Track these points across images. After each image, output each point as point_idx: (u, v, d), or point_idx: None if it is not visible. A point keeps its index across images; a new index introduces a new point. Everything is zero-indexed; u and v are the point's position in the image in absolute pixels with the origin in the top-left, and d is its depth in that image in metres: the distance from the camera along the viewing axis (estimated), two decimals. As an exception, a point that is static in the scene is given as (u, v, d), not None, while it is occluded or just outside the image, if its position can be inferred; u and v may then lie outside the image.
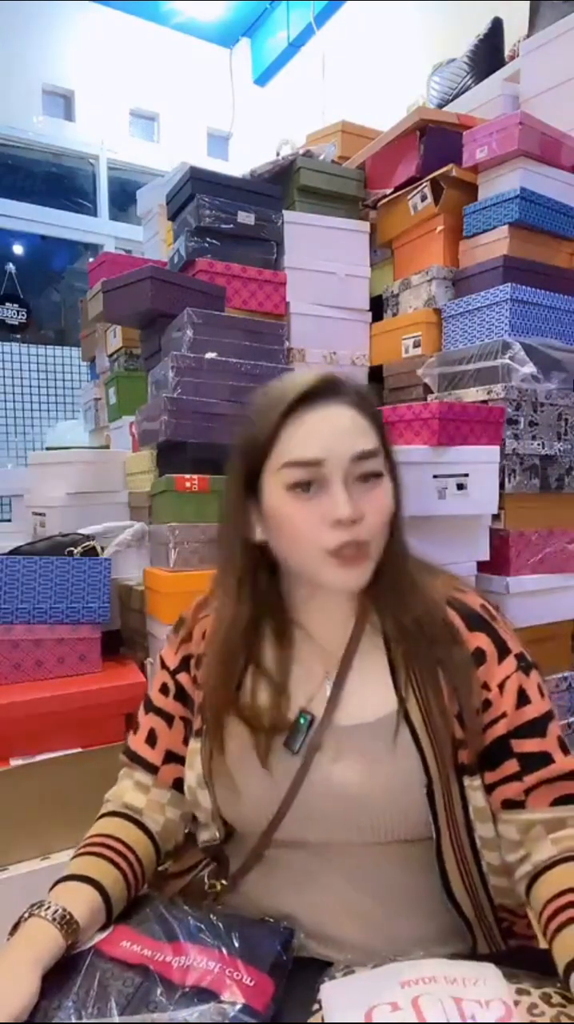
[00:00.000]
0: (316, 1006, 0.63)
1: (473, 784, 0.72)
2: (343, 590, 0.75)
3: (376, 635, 0.78)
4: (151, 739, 0.83)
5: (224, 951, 0.65)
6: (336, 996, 0.62)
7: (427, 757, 0.71)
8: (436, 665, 0.73)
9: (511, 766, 0.72)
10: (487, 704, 0.73)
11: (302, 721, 0.74)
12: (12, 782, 1.23)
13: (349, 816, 0.72)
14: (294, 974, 0.67)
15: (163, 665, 0.86)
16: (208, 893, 0.81)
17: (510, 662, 0.74)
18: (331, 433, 0.71)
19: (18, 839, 1.21)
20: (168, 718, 0.83)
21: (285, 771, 0.73)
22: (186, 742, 0.82)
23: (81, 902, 0.67)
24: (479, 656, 0.74)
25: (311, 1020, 0.62)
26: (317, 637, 0.79)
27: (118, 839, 0.76)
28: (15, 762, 1.26)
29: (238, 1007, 0.60)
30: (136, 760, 0.84)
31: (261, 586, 0.79)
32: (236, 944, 0.66)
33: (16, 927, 0.65)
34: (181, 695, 0.83)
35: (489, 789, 0.72)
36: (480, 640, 0.75)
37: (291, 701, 0.77)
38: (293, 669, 0.78)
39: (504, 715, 0.72)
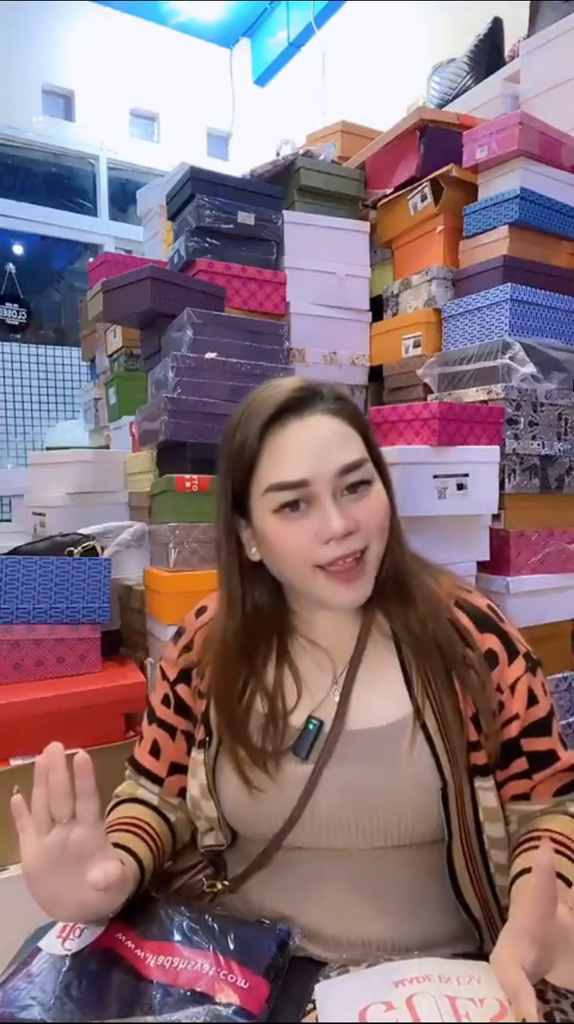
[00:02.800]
0: (310, 1005, 0.63)
1: (485, 785, 0.72)
2: (341, 607, 0.73)
3: (386, 639, 0.77)
4: (155, 751, 0.84)
5: (219, 953, 0.65)
6: (330, 995, 0.62)
7: (442, 760, 0.71)
8: (450, 668, 0.73)
9: (520, 764, 0.74)
10: (500, 706, 0.74)
11: (310, 727, 0.74)
12: (12, 782, 1.23)
13: (361, 821, 0.71)
14: (288, 973, 0.67)
15: (163, 675, 0.85)
16: (206, 894, 0.81)
17: (519, 663, 0.76)
18: (313, 450, 0.68)
19: (18, 839, 1.21)
20: (170, 730, 0.83)
21: (295, 778, 0.73)
22: (189, 753, 0.82)
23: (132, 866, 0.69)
24: (492, 658, 0.75)
25: (305, 1020, 0.62)
26: (324, 646, 0.78)
27: (143, 820, 0.77)
28: (15, 762, 1.26)
29: (232, 1009, 0.60)
30: (141, 772, 0.84)
31: (260, 602, 0.78)
32: (231, 946, 0.66)
33: None
34: (181, 708, 0.83)
35: (498, 786, 0.74)
36: (491, 642, 0.76)
37: (298, 711, 0.76)
38: (301, 679, 0.78)
39: (516, 716, 0.74)
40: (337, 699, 0.75)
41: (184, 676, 0.83)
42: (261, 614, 0.78)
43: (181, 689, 0.82)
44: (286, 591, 0.79)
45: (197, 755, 0.79)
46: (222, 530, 0.76)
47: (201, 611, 0.86)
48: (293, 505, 0.69)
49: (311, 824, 0.72)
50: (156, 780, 0.83)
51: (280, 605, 0.79)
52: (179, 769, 0.82)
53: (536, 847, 0.66)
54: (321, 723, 0.74)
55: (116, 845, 0.71)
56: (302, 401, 0.70)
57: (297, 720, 0.75)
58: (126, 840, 0.73)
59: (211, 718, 0.78)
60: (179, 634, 0.86)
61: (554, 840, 0.68)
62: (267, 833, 0.74)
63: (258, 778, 0.74)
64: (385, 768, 0.71)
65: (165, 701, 0.84)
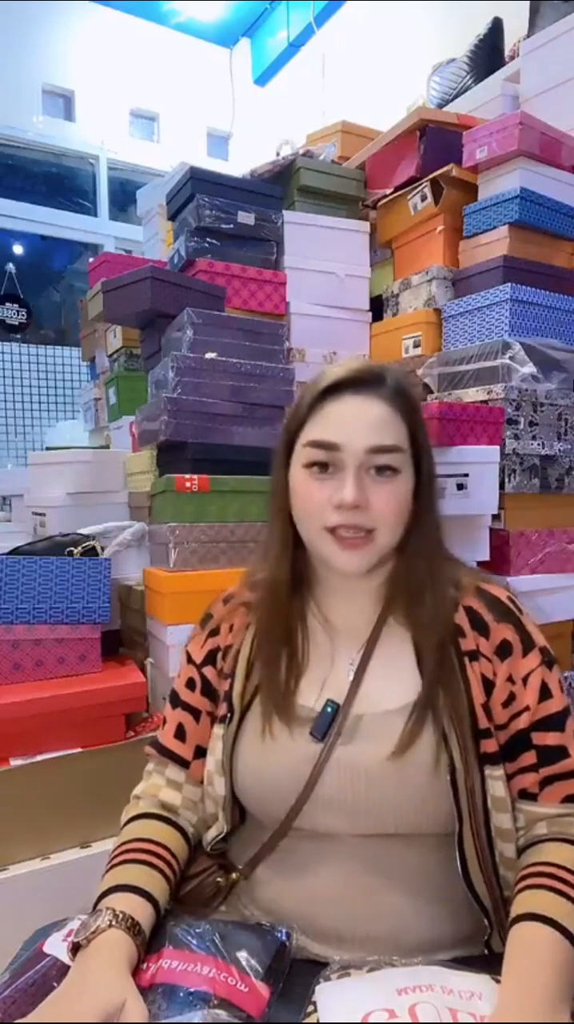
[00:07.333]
0: (311, 1007, 0.63)
1: (494, 773, 0.73)
2: (343, 571, 0.77)
3: (402, 627, 0.79)
4: (180, 734, 0.85)
5: (218, 957, 0.65)
6: (332, 998, 0.62)
7: (452, 745, 0.72)
8: (464, 655, 0.75)
9: (529, 757, 0.74)
10: (511, 697, 0.75)
11: (328, 709, 0.76)
12: (12, 782, 1.23)
13: (369, 803, 0.72)
14: (289, 975, 0.67)
15: (189, 659, 0.87)
16: (211, 897, 0.80)
17: (535, 656, 0.76)
18: (353, 423, 0.74)
19: (18, 839, 1.21)
20: (195, 713, 0.85)
21: (307, 756, 0.74)
22: None
23: (143, 915, 0.67)
24: (505, 648, 0.76)
25: (306, 1021, 0.62)
26: (340, 626, 0.81)
27: (160, 844, 0.77)
28: (15, 762, 1.26)
29: (232, 1013, 0.59)
30: (167, 755, 0.85)
31: (297, 565, 0.82)
32: (231, 950, 0.66)
33: (76, 946, 0.64)
34: (207, 689, 0.85)
35: (508, 778, 0.74)
36: (506, 632, 0.77)
37: (317, 688, 0.78)
38: (322, 657, 0.80)
39: (527, 708, 0.74)
40: (350, 679, 0.77)
41: (211, 658, 0.85)
42: (300, 569, 0.81)
43: (208, 671, 0.85)
44: (308, 561, 0.82)
45: (217, 731, 0.81)
46: (276, 480, 0.82)
47: (228, 598, 0.89)
48: (322, 466, 0.75)
49: (321, 805, 0.73)
50: (183, 763, 0.84)
51: (306, 577, 0.83)
52: (204, 753, 0.84)
53: (543, 885, 0.66)
54: (338, 707, 0.76)
55: (133, 887, 0.69)
56: (362, 382, 0.76)
57: (309, 699, 0.78)
58: (144, 878, 0.72)
59: (233, 696, 0.81)
60: (206, 620, 0.89)
61: (560, 879, 0.67)
62: (278, 812, 0.75)
63: (275, 748, 0.76)
64: (396, 751, 0.72)
65: (190, 684, 0.86)
